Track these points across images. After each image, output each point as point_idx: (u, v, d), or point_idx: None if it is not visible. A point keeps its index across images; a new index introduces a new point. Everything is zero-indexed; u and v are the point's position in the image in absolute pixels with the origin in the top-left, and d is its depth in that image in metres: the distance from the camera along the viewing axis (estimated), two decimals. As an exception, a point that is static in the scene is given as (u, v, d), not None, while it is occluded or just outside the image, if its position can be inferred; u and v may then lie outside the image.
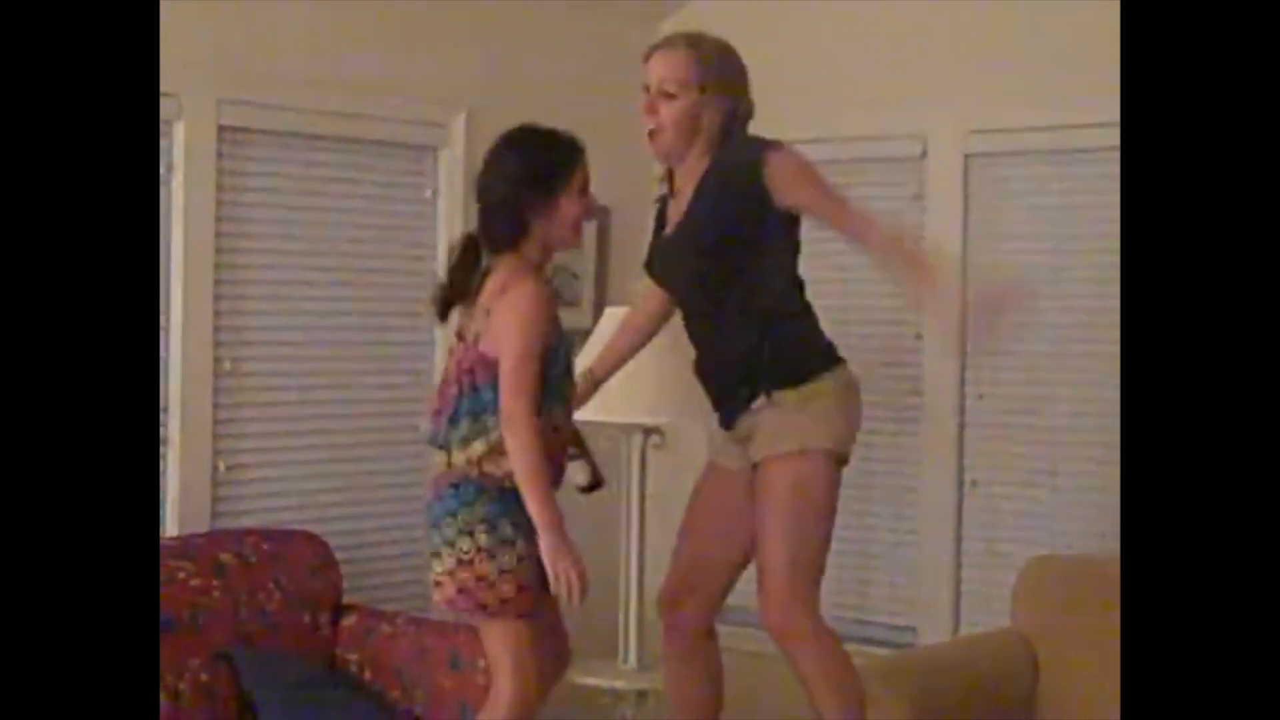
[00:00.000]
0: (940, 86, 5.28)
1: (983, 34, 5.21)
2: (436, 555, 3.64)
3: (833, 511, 3.75)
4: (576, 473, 3.89)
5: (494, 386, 3.57)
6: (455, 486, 3.62)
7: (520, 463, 3.51)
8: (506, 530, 3.59)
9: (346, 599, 4.76)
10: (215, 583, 4.44)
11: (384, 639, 4.61)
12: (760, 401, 3.71)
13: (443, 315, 3.80)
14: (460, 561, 3.59)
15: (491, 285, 3.65)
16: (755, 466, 3.74)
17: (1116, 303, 4.91)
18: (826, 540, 3.75)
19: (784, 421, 3.69)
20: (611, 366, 4.14)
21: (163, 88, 3.55)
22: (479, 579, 3.58)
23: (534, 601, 3.62)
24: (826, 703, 3.72)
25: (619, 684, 4.91)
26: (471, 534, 3.58)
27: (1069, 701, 4.44)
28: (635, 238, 4.69)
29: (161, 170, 4.54)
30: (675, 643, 3.93)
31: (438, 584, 3.64)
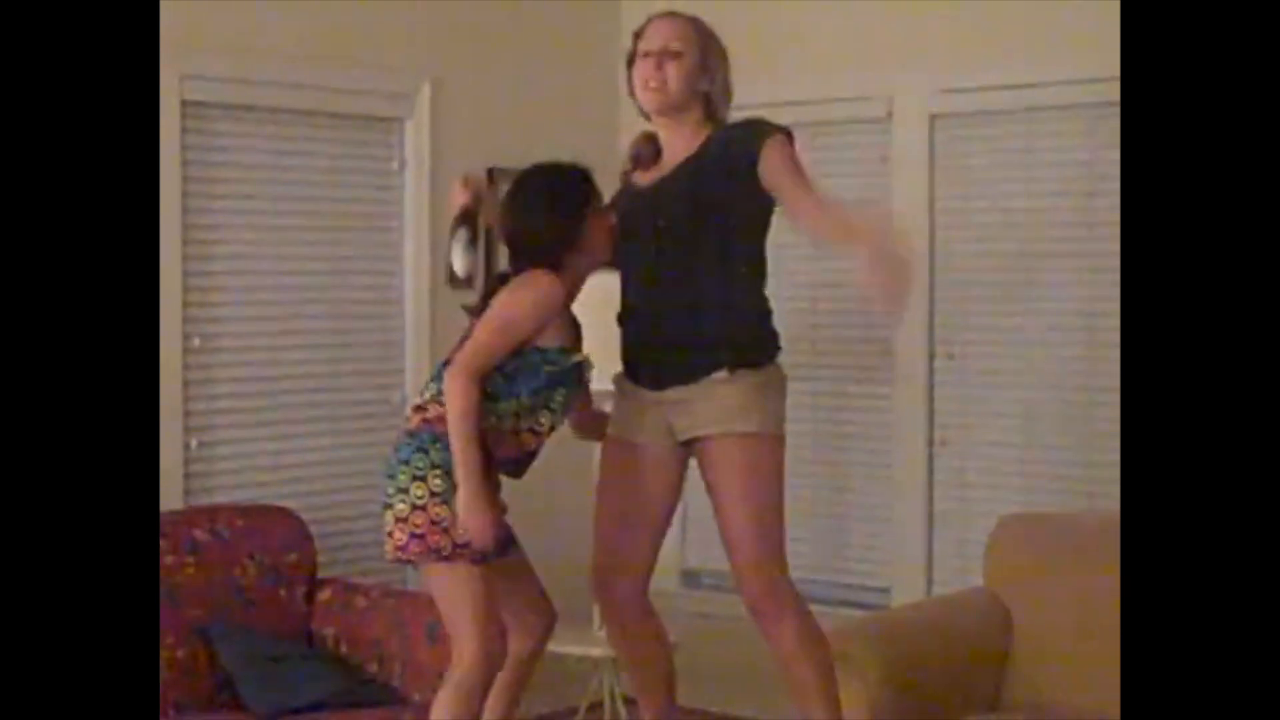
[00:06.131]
0: (904, 48, 5.28)
1: (946, -5, 5.22)
2: (389, 506, 3.61)
3: (783, 484, 3.79)
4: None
5: None
6: (411, 435, 3.64)
7: (451, 412, 3.54)
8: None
9: (322, 573, 4.77)
10: (190, 559, 4.45)
11: (360, 612, 4.63)
12: (722, 375, 3.71)
13: None
14: (414, 507, 3.57)
15: None
16: (701, 440, 3.74)
17: (1084, 261, 4.99)
18: (783, 511, 3.79)
19: (742, 400, 3.70)
20: None
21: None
22: (433, 523, 3.56)
23: (490, 548, 3.60)
24: (807, 676, 3.75)
25: (594, 651, 4.93)
26: (424, 479, 3.57)
27: (1041, 658, 4.46)
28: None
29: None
30: (614, 618, 3.94)
31: (389, 534, 3.61)
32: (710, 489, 3.76)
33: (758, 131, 3.76)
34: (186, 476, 4.75)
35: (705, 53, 3.83)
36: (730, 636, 5.09)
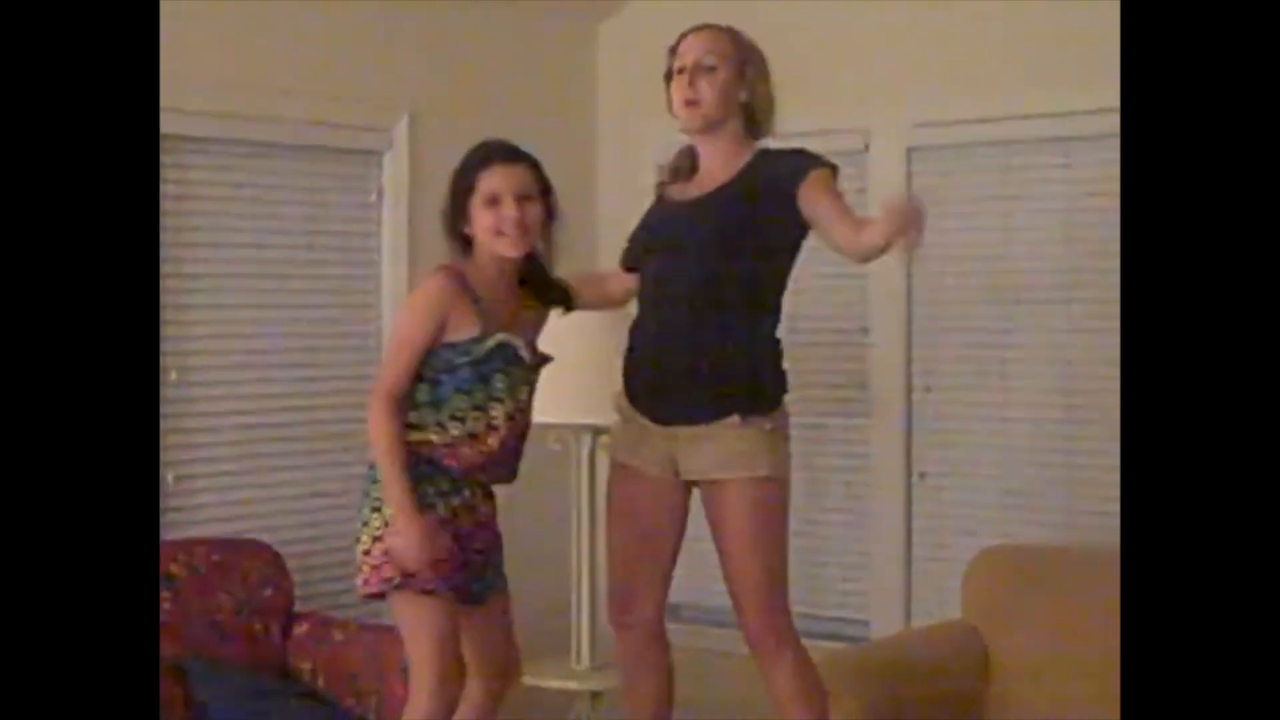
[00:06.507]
0: (882, 81, 5.30)
1: (923, 28, 5.23)
2: (357, 541, 3.58)
3: (788, 526, 3.80)
4: None
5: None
6: (371, 467, 3.59)
7: (372, 441, 3.52)
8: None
9: (298, 607, 4.75)
10: (166, 594, 4.43)
11: (336, 646, 4.61)
12: (733, 419, 3.69)
13: None
14: (374, 539, 3.52)
15: None
16: (708, 482, 3.73)
17: (1061, 293, 5.00)
18: (787, 554, 3.79)
19: (752, 445, 3.68)
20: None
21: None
22: (386, 552, 3.50)
23: (444, 576, 3.52)
24: (801, 717, 3.74)
25: (572, 684, 4.91)
26: (380, 509, 3.53)
27: (1019, 690, 4.47)
28: (577, 238, 4.64)
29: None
30: (629, 645, 3.92)
31: (359, 569, 3.57)
32: (717, 533, 3.75)
33: (804, 163, 3.73)
34: (164, 511, 4.72)
35: (742, 65, 3.82)
36: (711, 670, 5.07)
